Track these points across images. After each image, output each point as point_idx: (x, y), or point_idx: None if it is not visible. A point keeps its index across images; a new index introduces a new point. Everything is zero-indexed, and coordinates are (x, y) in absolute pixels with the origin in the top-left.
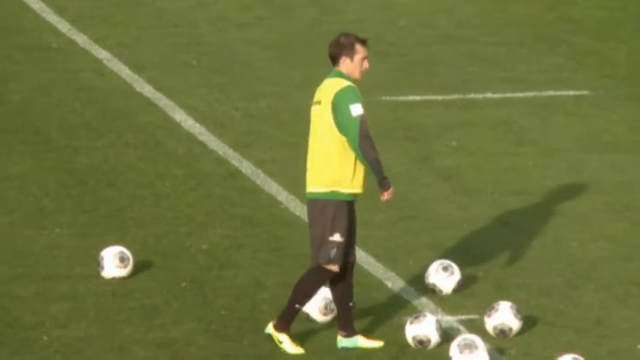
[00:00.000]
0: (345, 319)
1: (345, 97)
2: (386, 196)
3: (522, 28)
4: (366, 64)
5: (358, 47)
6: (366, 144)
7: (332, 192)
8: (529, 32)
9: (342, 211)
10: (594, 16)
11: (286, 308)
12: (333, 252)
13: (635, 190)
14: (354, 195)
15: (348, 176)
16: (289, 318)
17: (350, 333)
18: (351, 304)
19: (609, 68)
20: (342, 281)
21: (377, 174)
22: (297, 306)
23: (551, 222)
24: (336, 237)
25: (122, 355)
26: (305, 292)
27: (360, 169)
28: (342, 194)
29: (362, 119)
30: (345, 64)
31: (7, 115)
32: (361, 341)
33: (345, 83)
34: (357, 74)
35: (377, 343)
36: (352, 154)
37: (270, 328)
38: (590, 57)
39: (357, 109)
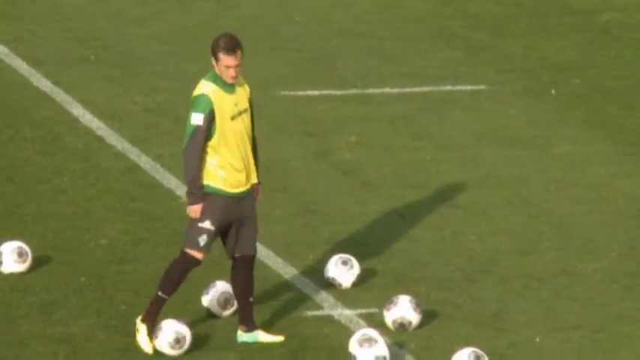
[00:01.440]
0: (245, 313)
1: (193, 105)
2: (187, 210)
3: (419, 22)
4: (230, 73)
5: (221, 55)
6: (189, 153)
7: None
8: (426, 27)
9: (216, 202)
10: (490, 11)
11: (153, 297)
12: (202, 238)
13: (532, 184)
14: (230, 193)
15: (216, 175)
16: (154, 308)
17: (250, 328)
18: (251, 299)
19: (506, 63)
20: (242, 276)
21: (187, 185)
22: (159, 293)
23: (450, 216)
24: (207, 224)
25: (21, 350)
26: (171, 280)
27: (232, 170)
28: (213, 188)
29: (195, 130)
30: (215, 66)
31: None
32: (261, 336)
33: (200, 91)
34: (225, 79)
35: (277, 338)
36: (216, 154)
37: (138, 317)
38: (487, 52)
39: (195, 119)
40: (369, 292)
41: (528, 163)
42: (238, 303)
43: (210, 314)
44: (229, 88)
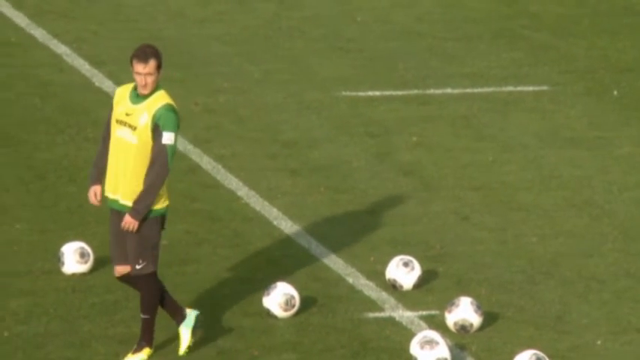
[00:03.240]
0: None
1: None
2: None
3: (481, 23)
4: (140, 80)
5: (133, 62)
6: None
7: None
8: (488, 27)
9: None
10: (552, 11)
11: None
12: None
13: (594, 185)
14: (107, 197)
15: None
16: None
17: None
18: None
19: (568, 64)
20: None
21: None
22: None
23: (511, 217)
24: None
25: (83, 350)
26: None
27: (108, 171)
28: None
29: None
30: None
31: None
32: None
33: (121, 86)
34: (138, 87)
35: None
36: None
37: None
38: (549, 52)
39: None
40: (430, 294)
41: (590, 164)
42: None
43: (270, 315)
44: (136, 97)
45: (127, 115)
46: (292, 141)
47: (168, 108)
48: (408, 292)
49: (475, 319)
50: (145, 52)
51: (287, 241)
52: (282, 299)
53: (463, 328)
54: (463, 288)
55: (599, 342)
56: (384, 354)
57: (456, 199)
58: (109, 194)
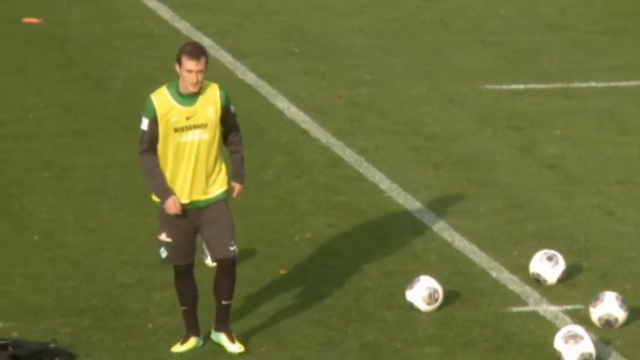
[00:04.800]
0: (217, 313)
1: (143, 109)
2: (166, 207)
3: (625, 16)
4: (191, 78)
5: (184, 59)
6: (141, 159)
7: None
8: (632, 21)
9: (165, 213)
10: None
11: None
12: (162, 251)
13: None
14: (194, 203)
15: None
16: (185, 320)
17: (216, 327)
18: (224, 302)
19: None
20: (218, 279)
21: (152, 189)
22: (181, 307)
23: None
24: (163, 236)
25: None
26: (177, 293)
27: (172, 181)
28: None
29: (141, 135)
30: (178, 72)
31: (109, 102)
32: (223, 339)
33: (153, 95)
34: (186, 85)
35: (237, 348)
36: (163, 163)
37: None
38: None
39: (142, 124)
40: (575, 289)
41: None
42: (215, 302)
43: (413, 309)
44: (184, 99)
45: (188, 118)
46: (435, 134)
47: (222, 88)
48: (552, 286)
49: (620, 314)
50: (196, 50)
51: (430, 235)
52: (425, 293)
53: (608, 323)
54: (608, 282)
55: None
56: (528, 348)
57: (600, 193)
58: (195, 198)
